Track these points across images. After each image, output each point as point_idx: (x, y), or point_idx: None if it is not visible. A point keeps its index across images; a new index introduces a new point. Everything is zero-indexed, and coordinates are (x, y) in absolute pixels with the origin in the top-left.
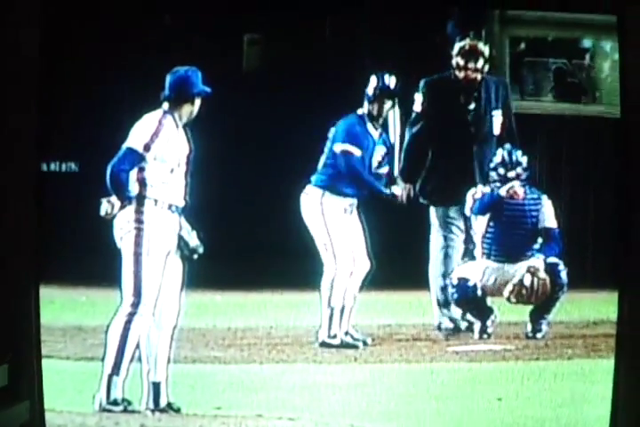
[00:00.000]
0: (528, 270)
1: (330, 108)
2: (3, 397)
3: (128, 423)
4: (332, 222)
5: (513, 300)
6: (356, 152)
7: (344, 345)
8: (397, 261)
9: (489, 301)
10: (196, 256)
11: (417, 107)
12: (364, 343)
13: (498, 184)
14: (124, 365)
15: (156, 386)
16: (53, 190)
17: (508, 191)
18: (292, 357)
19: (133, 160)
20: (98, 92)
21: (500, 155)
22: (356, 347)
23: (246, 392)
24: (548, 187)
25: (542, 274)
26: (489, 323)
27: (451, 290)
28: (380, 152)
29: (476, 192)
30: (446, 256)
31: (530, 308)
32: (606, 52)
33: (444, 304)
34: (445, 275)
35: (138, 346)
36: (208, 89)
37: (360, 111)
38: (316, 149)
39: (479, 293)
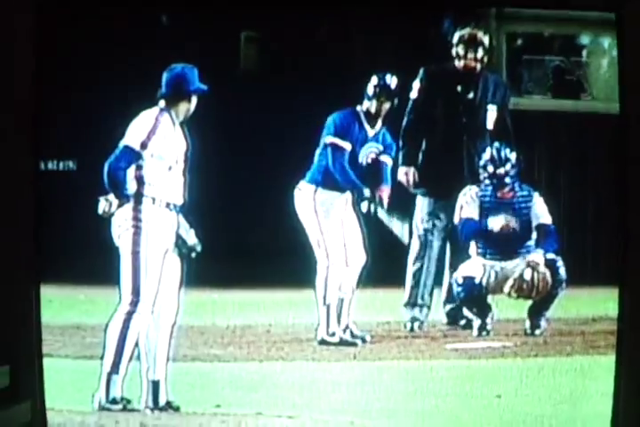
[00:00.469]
0: (528, 265)
1: (327, 106)
2: (4, 397)
3: (127, 422)
4: (324, 219)
5: (514, 295)
6: (346, 146)
7: (343, 343)
8: (395, 258)
9: (489, 298)
10: (194, 254)
11: (414, 94)
12: (363, 341)
13: (487, 182)
14: (123, 363)
15: (156, 384)
16: (51, 189)
17: (498, 223)
18: (291, 355)
19: (131, 158)
20: (94, 91)
21: (489, 152)
22: (354, 345)
23: (246, 390)
24: (545, 183)
25: (542, 268)
26: (488, 320)
27: (456, 289)
28: (372, 150)
29: (466, 195)
30: (425, 255)
31: (528, 305)
32: (604, 49)
33: (415, 303)
34: (423, 273)
35: (137, 344)
36: (204, 86)
37: (358, 108)
38: (312, 146)
39: (483, 290)
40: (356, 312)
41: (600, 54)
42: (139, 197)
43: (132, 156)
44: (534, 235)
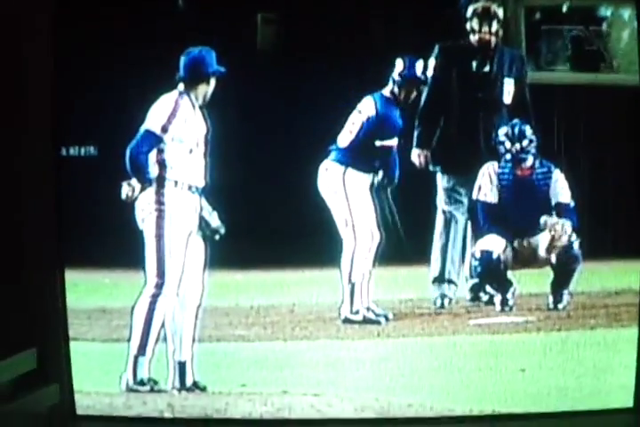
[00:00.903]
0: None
1: (346, 86)
2: (32, 380)
3: (155, 403)
4: (353, 198)
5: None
6: (395, 143)
7: (366, 321)
8: (417, 235)
9: (509, 273)
10: (217, 237)
11: (430, 72)
12: (386, 318)
13: (506, 158)
14: (149, 345)
15: (182, 365)
16: (73, 175)
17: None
18: (315, 333)
19: (152, 142)
20: (113, 75)
21: (506, 128)
22: (378, 322)
23: (271, 369)
24: (565, 158)
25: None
26: (509, 295)
27: (474, 263)
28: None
29: (484, 175)
30: (450, 231)
31: (550, 279)
32: (624, 20)
33: (443, 279)
34: (449, 249)
35: (163, 326)
36: (222, 69)
37: (387, 93)
38: (333, 125)
39: (502, 265)
40: (379, 290)
41: (620, 26)
42: (161, 180)
43: (154, 140)
44: (554, 213)
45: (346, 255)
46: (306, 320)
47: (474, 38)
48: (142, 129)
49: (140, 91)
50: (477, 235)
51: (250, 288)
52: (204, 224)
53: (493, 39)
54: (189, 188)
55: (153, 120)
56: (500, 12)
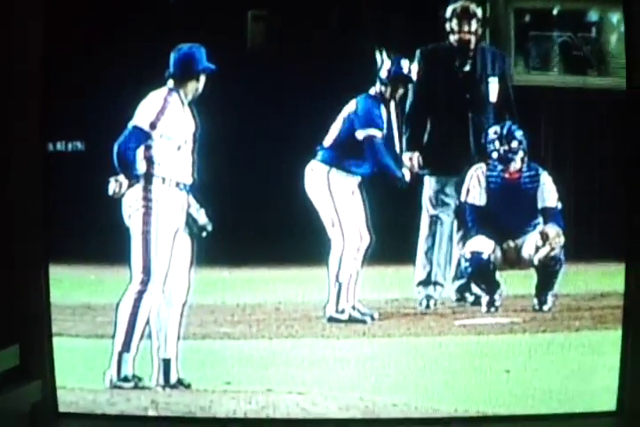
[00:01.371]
0: (540, 235)
1: (336, 86)
2: (14, 376)
3: (139, 400)
4: (339, 198)
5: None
6: (378, 134)
7: (352, 320)
8: (403, 236)
9: (497, 274)
10: (204, 234)
11: (414, 76)
12: (372, 318)
13: (495, 160)
14: (134, 342)
15: (167, 362)
16: (60, 170)
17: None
18: (300, 332)
19: (140, 138)
20: (102, 71)
21: (494, 129)
22: (364, 322)
23: (256, 367)
24: (551, 160)
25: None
26: (496, 296)
27: (464, 264)
28: (391, 132)
29: (473, 178)
30: (436, 233)
31: (534, 282)
32: (613, 25)
33: (429, 281)
34: (435, 252)
35: (148, 323)
36: (212, 66)
37: (372, 91)
38: (321, 125)
39: (491, 266)
40: (365, 290)
41: (608, 30)
42: (148, 177)
43: (142, 136)
44: (540, 216)
45: (334, 255)
46: (291, 319)
47: (454, 38)
48: (130, 125)
49: (129, 87)
50: (466, 237)
51: (236, 286)
52: (191, 221)
53: (473, 38)
54: (177, 184)
55: (141, 116)
56: (480, 12)
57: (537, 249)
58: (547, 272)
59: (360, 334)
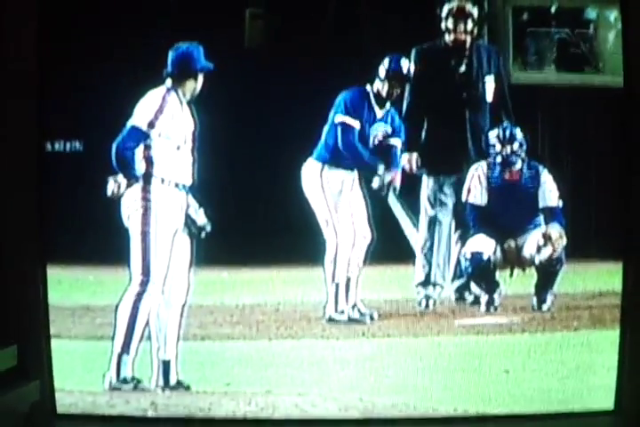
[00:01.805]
0: (542, 236)
1: (334, 84)
2: (12, 377)
3: (138, 401)
4: (331, 196)
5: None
6: (355, 124)
7: (351, 320)
8: (402, 236)
9: (497, 274)
10: (203, 234)
11: (411, 75)
12: (371, 318)
13: (495, 161)
14: (133, 343)
15: (166, 364)
16: (58, 170)
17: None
18: (299, 333)
19: (138, 138)
20: (100, 70)
21: (497, 130)
22: (363, 322)
23: (255, 369)
24: (550, 159)
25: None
26: (495, 296)
27: (464, 263)
28: (380, 130)
29: (474, 178)
30: (434, 233)
31: (534, 281)
32: (610, 22)
33: (429, 282)
34: (434, 252)
35: (147, 324)
36: (210, 65)
37: (368, 87)
38: (319, 123)
39: (491, 266)
40: (364, 290)
41: (606, 28)
42: (147, 177)
43: (140, 136)
44: (541, 215)
45: (328, 255)
46: (291, 319)
47: (449, 38)
48: (129, 125)
49: (128, 86)
50: (465, 236)
51: (235, 287)
52: (190, 222)
53: (469, 38)
54: (176, 185)
55: (140, 116)
56: (475, 11)
57: (539, 249)
58: (548, 272)
59: (359, 334)
